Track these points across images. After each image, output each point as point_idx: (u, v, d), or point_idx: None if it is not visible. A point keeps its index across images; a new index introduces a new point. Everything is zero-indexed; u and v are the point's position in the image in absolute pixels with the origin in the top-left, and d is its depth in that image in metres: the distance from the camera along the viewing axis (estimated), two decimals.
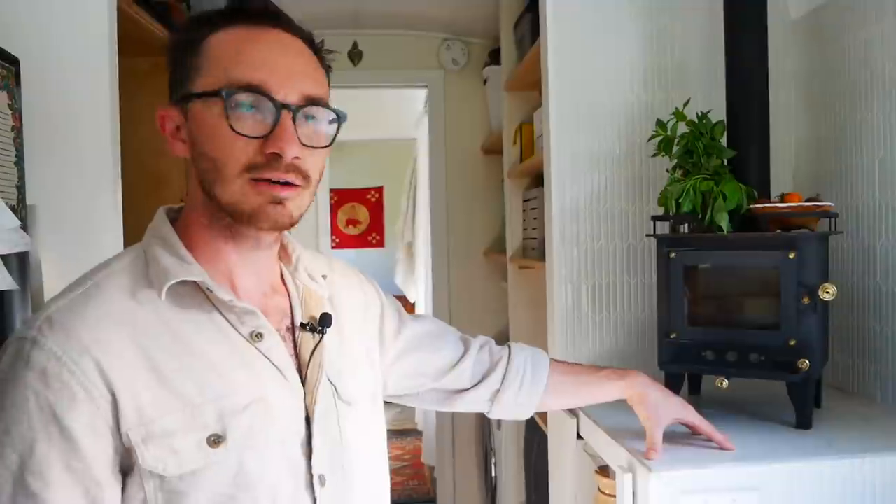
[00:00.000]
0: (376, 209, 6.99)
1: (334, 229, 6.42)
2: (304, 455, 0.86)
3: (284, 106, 0.81)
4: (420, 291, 4.44)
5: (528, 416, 1.23)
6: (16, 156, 1.05)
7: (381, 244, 6.93)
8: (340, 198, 6.76)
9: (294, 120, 0.81)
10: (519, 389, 1.17)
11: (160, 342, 0.79)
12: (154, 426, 0.77)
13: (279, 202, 0.82)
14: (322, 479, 0.87)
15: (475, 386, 1.17)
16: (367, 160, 6.47)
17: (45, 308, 0.80)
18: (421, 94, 3.88)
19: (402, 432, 5.21)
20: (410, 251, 4.91)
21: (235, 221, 0.84)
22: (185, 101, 0.83)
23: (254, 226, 0.83)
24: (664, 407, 1.17)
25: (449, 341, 1.18)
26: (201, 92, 0.81)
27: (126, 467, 0.78)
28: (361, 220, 7.01)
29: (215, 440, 0.79)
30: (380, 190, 6.90)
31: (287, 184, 0.81)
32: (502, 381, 1.17)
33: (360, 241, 6.99)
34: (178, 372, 0.79)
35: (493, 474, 2.96)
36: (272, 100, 0.80)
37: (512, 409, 1.19)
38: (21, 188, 1.07)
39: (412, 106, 4.33)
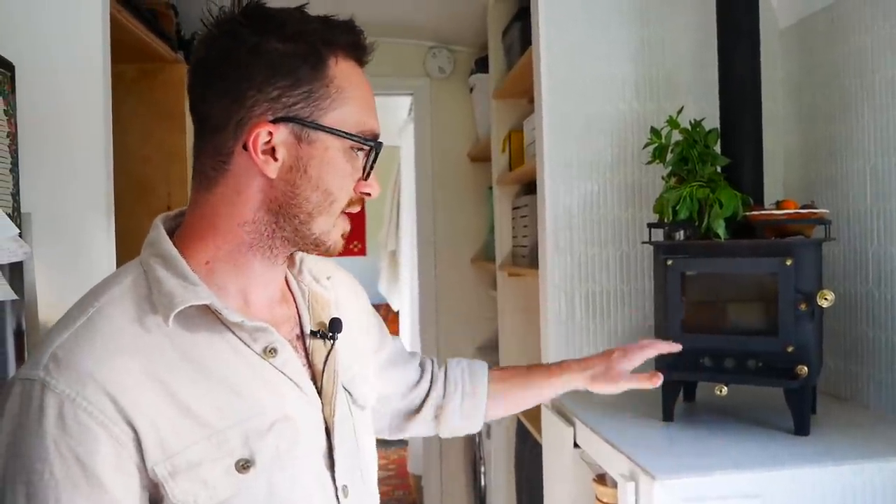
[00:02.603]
0: (358, 217, 6.88)
1: None
2: (327, 467, 0.85)
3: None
4: (404, 299, 4.43)
5: (478, 429, 1.22)
6: (11, 163, 1.02)
7: (362, 252, 6.88)
8: None
9: None
10: (461, 402, 1.18)
11: (175, 369, 0.76)
12: (179, 458, 0.74)
13: (344, 233, 0.87)
14: (345, 489, 0.86)
15: (421, 408, 1.17)
16: None
17: (47, 341, 0.76)
18: (404, 103, 3.87)
19: (386, 441, 5.17)
20: (394, 259, 4.89)
21: (306, 248, 0.86)
22: (307, 127, 0.81)
23: (327, 252, 0.86)
24: (611, 368, 1.18)
25: (412, 363, 1.19)
26: (343, 132, 0.82)
27: (155, 500, 0.75)
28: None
29: (244, 465, 0.77)
30: None
31: None
32: (443, 397, 1.17)
33: (342, 250, 6.95)
34: (197, 398, 0.76)
35: (483, 483, 2.95)
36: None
37: (458, 421, 1.19)
38: (16, 196, 1.04)
39: (395, 114, 4.32)
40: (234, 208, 0.82)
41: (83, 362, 0.73)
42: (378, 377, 1.10)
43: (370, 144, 0.85)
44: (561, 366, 1.22)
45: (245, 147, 0.80)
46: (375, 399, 1.10)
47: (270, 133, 0.80)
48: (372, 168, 0.86)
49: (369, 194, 0.87)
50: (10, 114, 1.05)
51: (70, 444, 0.70)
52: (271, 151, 0.80)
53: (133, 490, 0.73)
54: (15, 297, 0.96)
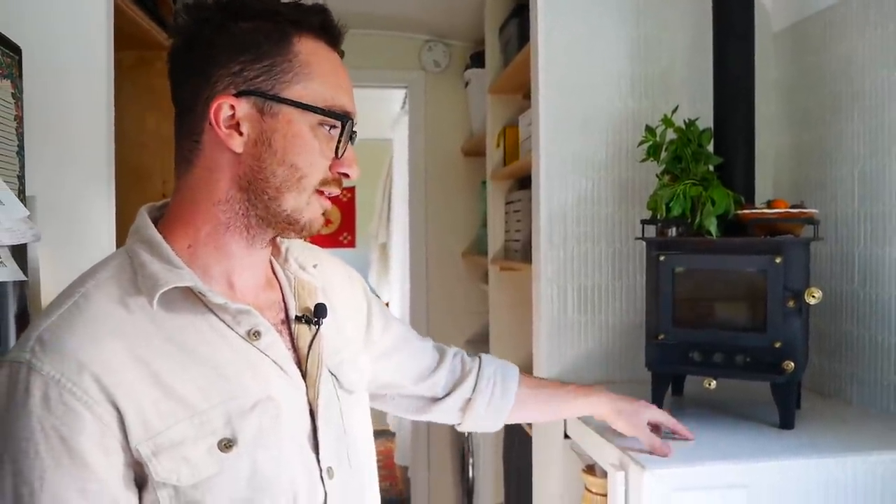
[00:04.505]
0: (348, 209, 6.95)
1: None
2: (312, 449, 0.86)
3: (354, 133, 0.87)
4: (394, 292, 4.44)
5: (497, 428, 1.24)
6: (17, 145, 1.03)
7: (352, 244, 6.88)
8: None
9: None
10: (490, 399, 1.19)
11: (159, 350, 0.78)
12: (162, 438, 0.75)
13: (325, 214, 0.86)
14: (330, 471, 0.87)
15: (448, 395, 1.18)
16: None
17: (35, 326, 0.78)
18: (397, 96, 3.87)
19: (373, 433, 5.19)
20: (384, 251, 4.91)
21: (281, 228, 0.85)
22: (268, 100, 0.81)
23: (302, 233, 0.86)
24: (639, 413, 1.20)
25: (427, 348, 1.20)
26: (306, 104, 0.82)
27: (141, 479, 0.76)
28: (333, 219, 6.96)
29: (226, 444, 0.78)
30: (352, 190, 6.86)
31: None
32: (473, 390, 1.18)
33: (332, 241, 6.93)
34: (180, 379, 0.78)
35: (471, 474, 2.98)
36: (353, 129, 0.86)
37: (482, 419, 1.20)
38: (21, 178, 1.05)
39: (388, 107, 4.32)
40: (208, 187, 0.83)
41: (68, 344, 0.74)
42: (380, 362, 1.11)
43: (337, 118, 0.84)
44: (591, 389, 1.25)
45: (211, 123, 0.81)
46: (375, 385, 1.12)
47: (233, 107, 0.81)
48: (341, 145, 0.85)
49: (347, 175, 0.87)
50: (18, 97, 1.06)
51: (55, 423, 0.72)
52: (236, 126, 0.81)
53: (117, 469, 0.74)
54: (24, 277, 0.98)
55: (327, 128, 0.85)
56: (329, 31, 0.87)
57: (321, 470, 0.86)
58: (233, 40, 0.81)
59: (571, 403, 1.24)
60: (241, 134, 0.82)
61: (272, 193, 0.83)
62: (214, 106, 0.81)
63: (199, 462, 0.77)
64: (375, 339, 1.11)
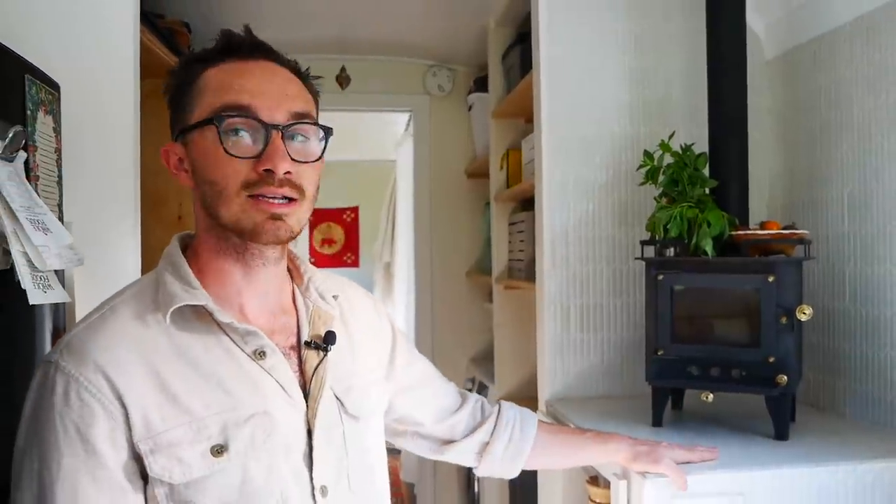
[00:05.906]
0: (352, 229, 7.01)
1: (310, 248, 6.46)
2: (307, 466, 0.91)
3: (273, 126, 0.87)
4: (399, 311, 4.50)
5: (513, 475, 1.25)
6: (58, 176, 1.11)
7: (355, 264, 6.94)
8: (316, 217, 6.77)
9: (283, 139, 0.87)
10: (507, 444, 1.21)
11: (169, 362, 0.86)
12: (161, 438, 0.83)
13: (278, 218, 0.88)
14: (324, 489, 0.92)
15: (466, 437, 1.21)
16: (344, 181, 6.52)
17: (67, 333, 0.88)
18: (401, 118, 3.95)
19: None
20: (388, 271, 4.97)
21: (239, 238, 0.90)
22: (183, 134, 0.90)
23: (256, 241, 0.89)
24: (656, 450, 1.19)
25: (449, 390, 1.24)
26: (196, 122, 0.88)
27: (144, 475, 0.84)
28: (337, 239, 7.02)
29: (218, 450, 0.85)
30: (355, 210, 6.94)
31: (285, 200, 0.88)
32: (492, 434, 1.21)
33: (335, 261, 6.99)
34: (185, 389, 0.86)
35: (476, 490, 3.02)
36: (260, 121, 0.86)
37: (499, 464, 1.22)
38: (60, 206, 1.13)
39: (392, 129, 4.41)
40: (197, 218, 0.94)
41: (88, 349, 0.84)
42: (401, 396, 1.16)
43: (227, 118, 0.85)
44: (610, 435, 1.25)
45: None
46: (393, 418, 1.16)
47: (167, 151, 0.93)
48: (267, 142, 0.86)
49: (269, 171, 0.86)
50: (58, 131, 1.14)
51: (72, 416, 0.81)
52: (181, 165, 0.92)
53: (123, 460, 0.83)
54: (69, 299, 1.04)
55: (232, 133, 0.86)
56: (232, 51, 0.90)
57: (313, 487, 0.91)
58: (171, 95, 0.93)
59: (590, 449, 1.24)
60: (186, 171, 0.92)
61: (211, 210, 0.90)
62: (163, 155, 0.94)
63: (191, 463, 0.84)
64: (398, 373, 1.15)
